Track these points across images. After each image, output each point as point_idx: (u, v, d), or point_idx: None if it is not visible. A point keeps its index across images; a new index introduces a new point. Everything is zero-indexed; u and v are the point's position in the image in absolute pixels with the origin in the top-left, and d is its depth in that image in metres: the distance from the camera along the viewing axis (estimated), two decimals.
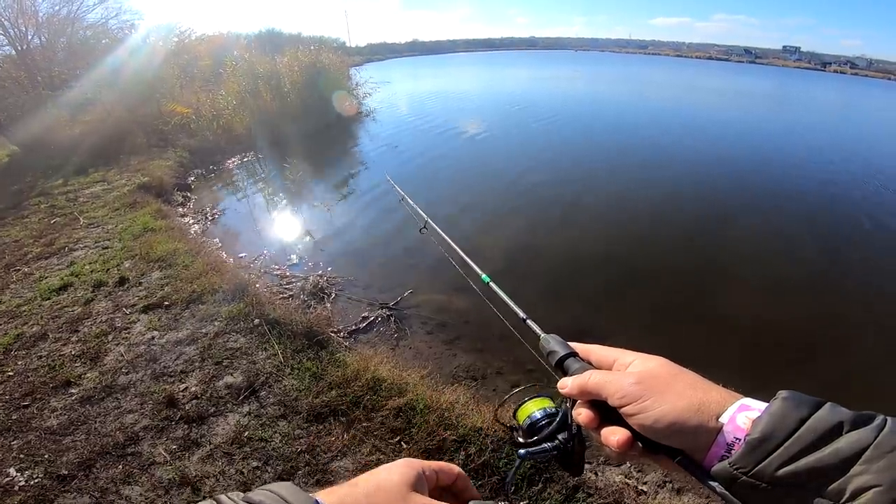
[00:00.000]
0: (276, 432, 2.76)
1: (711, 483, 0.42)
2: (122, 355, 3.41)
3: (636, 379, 0.49)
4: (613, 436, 0.49)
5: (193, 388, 3.09)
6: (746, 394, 0.46)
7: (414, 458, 0.54)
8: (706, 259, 5.66)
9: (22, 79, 11.59)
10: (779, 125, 16.40)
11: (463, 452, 2.59)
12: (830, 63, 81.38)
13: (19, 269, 4.85)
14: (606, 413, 0.51)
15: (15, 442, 2.72)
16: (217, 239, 6.04)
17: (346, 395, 2.97)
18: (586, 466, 2.64)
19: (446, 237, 1.22)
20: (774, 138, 13.61)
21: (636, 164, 9.68)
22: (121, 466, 2.55)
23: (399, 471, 0.52)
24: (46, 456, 2.62)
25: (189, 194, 7.94)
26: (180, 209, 7.13)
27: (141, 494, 2.40)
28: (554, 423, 0.58)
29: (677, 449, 0.46)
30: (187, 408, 2.92)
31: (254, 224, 6.79)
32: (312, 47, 14.74)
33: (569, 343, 0.60)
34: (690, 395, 0.46)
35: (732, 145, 12.04)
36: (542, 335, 0.63)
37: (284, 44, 19.65)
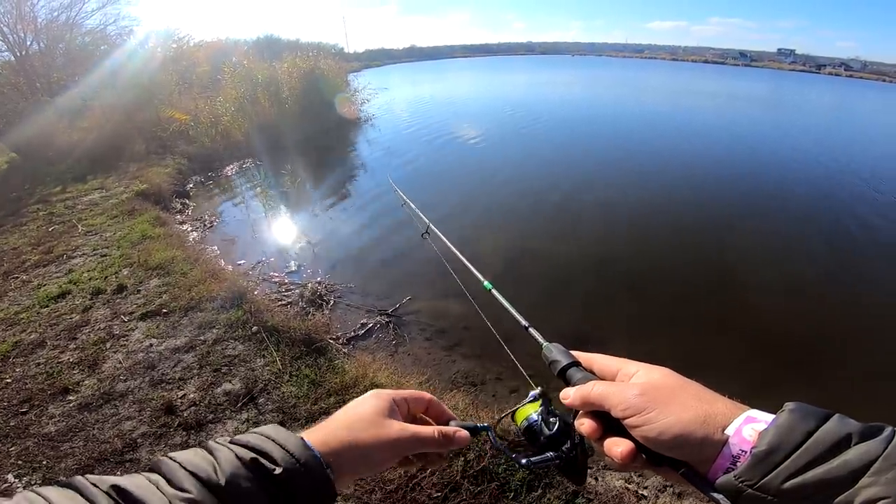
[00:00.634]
0: None
1: (716, 495, 0.42)
2: (120, 362, 3.40)
3: (640, 390, 0.48)
4: (616, 447, 0.48)
5: (192, 395, 3.07)
6: (750, 402, 0.46)
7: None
8: (707, 264, 5.67)
9: (21, 85, 11.59)
10: (778, 127, 16.48)
11: (461, 458, 2.58)
12: (825, 65, 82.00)
13: (17, 277, 4.83)
14: (609, 424, 0.51)
15: (13, 448, 2.70)
16: (215, 246, 6.03)
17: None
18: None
19: (448, 243, 1.22)
20: (774, 140, 13.67)
21: (635, 169, 9.70)
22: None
23: (371, 402, 0.56)
24: (45, 462, 2.60)
25: (187, 201, 7.94)
26: (179, 216, 7.12)
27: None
28: (552, 428, 0.58)
29: (681, 461, 0.45)
30: (185, 415, 2.91)
31: (252, 231, 6.79)
32: (311, 53, 14.78)
33: (571, 352, 0.59)
34: (696, 406, 0.45)
35: (731, 149, 12.10)
36: (545, 344, 0.62)
37: (283, 50, 19.72)
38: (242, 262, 5.61)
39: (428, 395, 0.60)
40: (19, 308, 4.20)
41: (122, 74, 12.25)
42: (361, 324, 4.32)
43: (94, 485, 0.41)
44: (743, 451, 0.41)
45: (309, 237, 6.45)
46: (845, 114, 24.61)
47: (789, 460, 0.38)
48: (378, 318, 4.39)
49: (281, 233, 6.79)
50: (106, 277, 4.66)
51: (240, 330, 3.70)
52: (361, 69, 35.99)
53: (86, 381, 3.23)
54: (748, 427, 0.42)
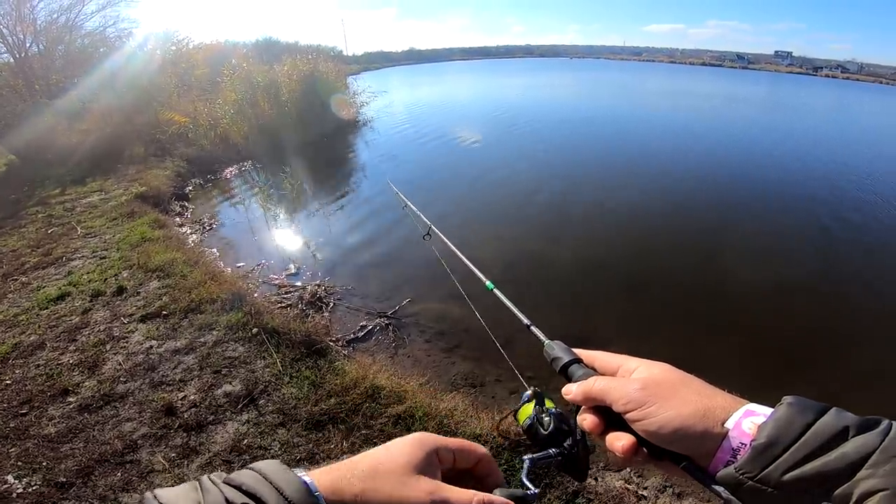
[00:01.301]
0: (275, 440, 2.75)
1: (717, 488, 0.42)
2: (120, 364, 3.40)
3: (641, 385, 0.49)
4: (618, 441, 0.49)
5: (192, 397, 3.07)
6: (750, 397, 0.47)
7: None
8: (706, 264, 5.67)
9: (20, 87, 11.58)
10: (776, 129, 16.48)
11: None
12: (822, 68, 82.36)
13: (17, 279, 4.83)
14: (611, 419, 0.51)
15: (13, 449, 2.70)
16: (215, 249, 6.03)
17: (345, 403, 2.95)
18: None
19: (450, 244, 1.22)
20: (773, 140, 13.66)
21: (634, 171, 9.71)
22: (119, 474, 2.53)
23: (406, 451, 0.48)
24: (45, 463, 2.60)
25: (187, 204, 7.94)
26: (178, 219, 7.12)
27: (140, 502, 2.38)
28: (552, 425, 0.58)
29: (682, 454, 0.46)
30: (186, 416, 2.91)
31: (252, 233, 6.78)
32: (310, 56, 14.78)
33: (573, 349, 0.60)
34: (695, 400, 0.46)
35: (731, 151, 12.13)
36: (547, 342, 0.63)
37: (282, 52, 19.70)
38: (242, 264, 5.61)
39: (482, 450, 0.52)
40: (19, 310, 4.19)
41: (122, 77, 12.26)
42: (361, 326, 4.32)
43: None
44: (743, 444, 0.42)
45: (308, 239, 6.45)
46: (843, 115, 24.69)
47: (788, 453, 0.39)
48: (378, 320, 4.39)
49: (280, 235, 6.79)
50: (105, 279, 4.65)
51: (240, 332, 3.70)
52: (360, 72, 36.01)
53: (86, 383, 3.23)
54: (747, 420, 0.43)
